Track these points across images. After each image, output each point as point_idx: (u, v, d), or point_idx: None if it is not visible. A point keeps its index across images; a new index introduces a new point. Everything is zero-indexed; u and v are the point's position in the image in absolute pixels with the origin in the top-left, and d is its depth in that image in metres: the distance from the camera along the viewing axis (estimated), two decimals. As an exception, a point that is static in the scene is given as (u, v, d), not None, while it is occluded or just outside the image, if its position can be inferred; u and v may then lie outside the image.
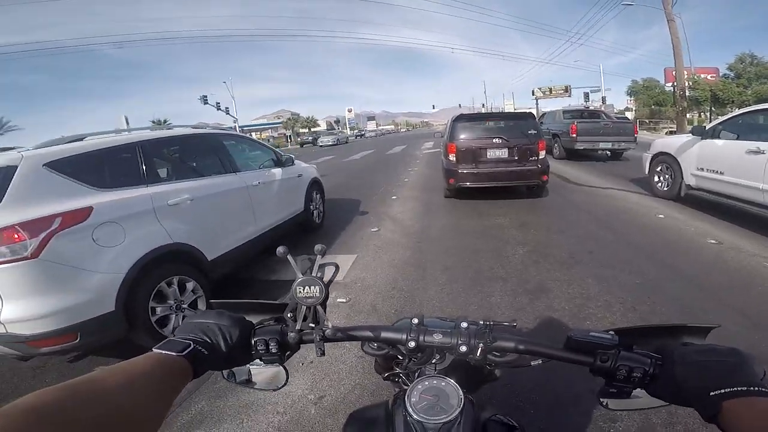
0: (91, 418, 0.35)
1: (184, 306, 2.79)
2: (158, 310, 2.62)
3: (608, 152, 11.54)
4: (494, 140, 6.30)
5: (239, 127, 45.63)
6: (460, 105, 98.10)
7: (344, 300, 3.26)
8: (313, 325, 0.63)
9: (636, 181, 7.49)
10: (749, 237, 4.22)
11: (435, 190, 7.99)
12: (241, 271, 3.83)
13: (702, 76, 28.13)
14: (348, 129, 75.54)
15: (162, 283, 2.64)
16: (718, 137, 5.02)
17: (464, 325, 0.65)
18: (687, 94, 22.45)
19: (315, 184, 5.55)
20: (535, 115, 10.43)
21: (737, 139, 4.72)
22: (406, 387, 0.66)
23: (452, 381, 0.63)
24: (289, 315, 0.64)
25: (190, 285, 2.84)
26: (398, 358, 0.76)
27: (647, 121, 25.80)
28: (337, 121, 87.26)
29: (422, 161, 14.91)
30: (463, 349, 0.62)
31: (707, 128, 5.26)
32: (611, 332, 0.58)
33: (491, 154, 6.30)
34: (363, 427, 0.70)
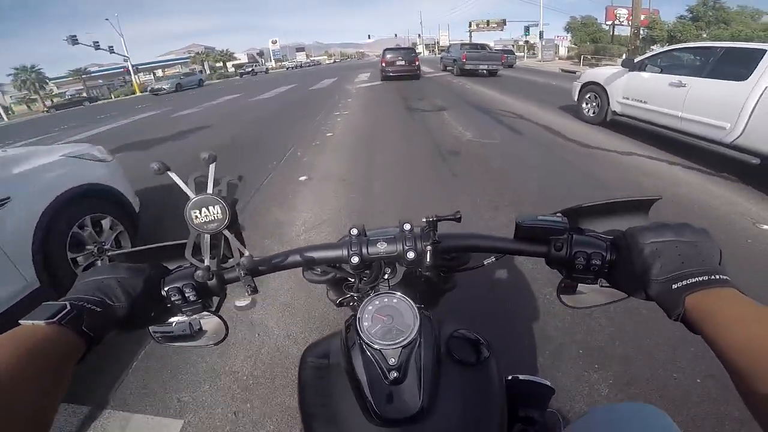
0: None
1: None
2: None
3: (486, 71, 17.51)
4: (399, 57, 16.75)
5: (134, 66, 39.88)
6: (396, 35, 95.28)
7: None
8: (229, 259, 0.51)
9: (566, 109, 7.83)
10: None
11: (380, 151, 5.57)
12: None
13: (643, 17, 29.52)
14: (273, 61, 69.65)
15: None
16: (644, 70, 5.46)
17: (407, 227, 0.56)
18: (641, 33, 23.33)
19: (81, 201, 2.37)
20: (459, 44, 21.01)
21: (661, 72, 5.15)
22: None
23: (403, 296, 0.56)
24: (192, 253, 0.49)
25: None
26: (348, 281, 0.68)
27: (589, 56, 26.11)
28: (261, 54, 79.57)
29: (356, 101, 11.25)
30: (411, 255, 0.54)
31: (636, 61, 5.67)
32: (558, 213, 0.55)
33: (398, 63, 16.56)
34: (319, 365, 0.63)
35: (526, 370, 0.77)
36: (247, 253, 0.49)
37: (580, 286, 0.59)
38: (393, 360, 0.51)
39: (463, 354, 0.58)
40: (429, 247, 0.54)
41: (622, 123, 5.84)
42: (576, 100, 6.90)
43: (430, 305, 0.63)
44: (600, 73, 6.41)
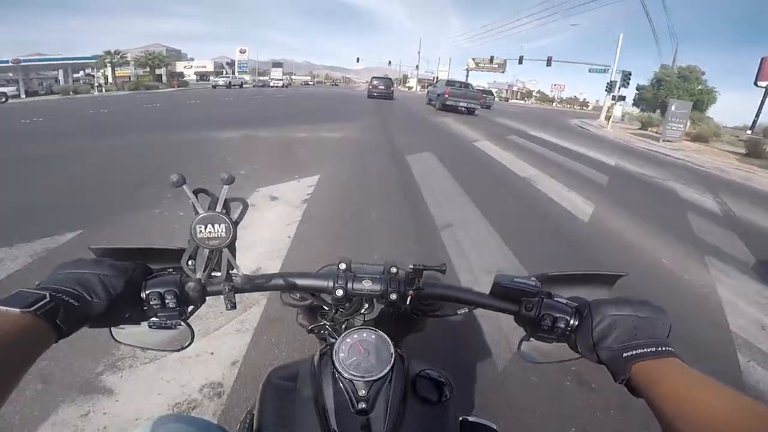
0: None
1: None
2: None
3: (464, 108, 19.84)
4: (380, 83, 27.42)
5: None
6: (390, 62, 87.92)
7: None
8: (219, 274, 0.51)
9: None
10: None
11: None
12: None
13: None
14: (237, 73, 58.43)
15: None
16: None
17: (394, 270, 0.62)
18: None
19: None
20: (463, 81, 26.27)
21: None
22: (333, 340, 0.63)
23: (383, 334, 0.60)
24: (188, 262, 0.51)
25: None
26: (323, 309, 0.70)
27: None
28: (229, 64, 68.41)
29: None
30: (394, 297, 0.59)
31: None
32: (533, 278, 0.60)
33: (379, 88, 27.13)
34: (284, 387, 0.62)
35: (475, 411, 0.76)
36: (241, 273, 0.51)
37: (539, 343, 0.61)
38: (363, 392, 0.54)
39: (427, 392, 0.60)
40: (411, 292, 0.59)
41: None
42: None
43: (397, 342, 0.64)
44: None
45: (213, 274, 0.50)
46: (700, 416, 0.36)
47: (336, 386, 0.55)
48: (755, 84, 26.01)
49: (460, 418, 0.67)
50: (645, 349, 0.44)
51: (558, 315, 0.54)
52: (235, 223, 0.49)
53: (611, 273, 0.61)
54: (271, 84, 45.35)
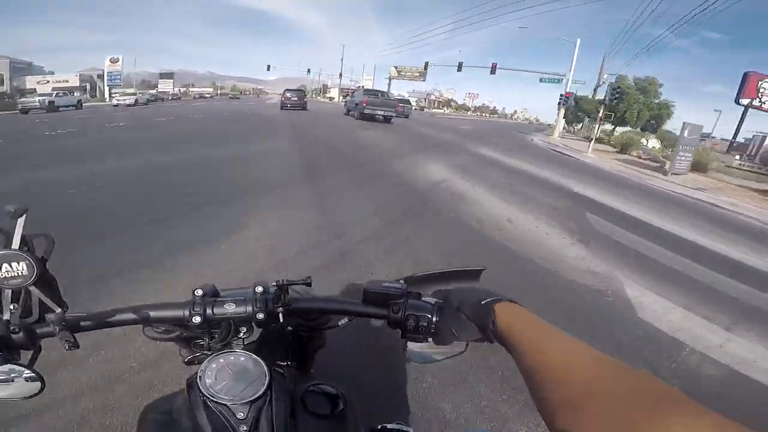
0: None
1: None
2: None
3: (382, 117, 19.47)
4: (293, 95, 27.79)
5: None
6: (309, 71, 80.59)
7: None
8: (32, 314, 0.48)
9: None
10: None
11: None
12: None
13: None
14: (106, 89, 45.84)
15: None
16: None
17: (259, 289, 0.58)
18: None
19: None
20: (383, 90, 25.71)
21: None
22: None
23: (252, 355, 0.58)
24: None
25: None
26: (201, 339, 0.63)
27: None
28: (101, 76, 54.43)
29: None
30: (261, 316, 0.56)
31: None
32: (401, 281, 0.60)
33: (292, 99, 27.39)
34: (160, 421, 0.59)
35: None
36: (58, 310, 0.47)
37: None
38: (242, 414, 0.51)
39: (317, 407, 0.58)
40: (281, 309, 0.56)
41: None
42: None
43: (302, 362, 0.67)
44: None
45: (30, 320, 0.48)
46: (552, 363, 0.39)
47: (211, 413, 0.51)
48: (737, 102, 22.78)
49: (379, 426, 0.67)
50: (497, 297, 0.51)
51: (420, 314, 0.55)
52: (42, 260, 0.45)
53: (472, 268, 0.63)
54: (115, 102, 33.04)
